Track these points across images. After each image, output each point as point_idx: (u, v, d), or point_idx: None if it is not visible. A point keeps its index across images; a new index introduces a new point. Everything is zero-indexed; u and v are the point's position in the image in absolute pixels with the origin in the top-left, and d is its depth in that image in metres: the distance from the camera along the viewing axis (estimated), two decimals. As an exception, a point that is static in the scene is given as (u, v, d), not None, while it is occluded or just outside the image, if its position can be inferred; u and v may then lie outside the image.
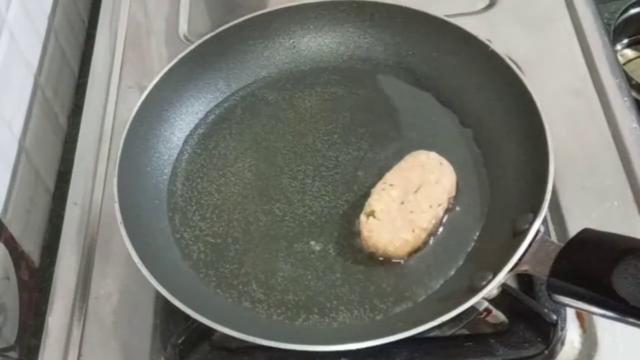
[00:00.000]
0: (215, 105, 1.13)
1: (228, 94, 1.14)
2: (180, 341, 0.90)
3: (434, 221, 0.94)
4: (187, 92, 1.11)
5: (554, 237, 0.99)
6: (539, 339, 0.89)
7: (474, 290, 0.84)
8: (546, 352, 0.89)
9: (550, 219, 1.01)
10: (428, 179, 0.96)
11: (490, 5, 1.29)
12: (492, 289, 0.83)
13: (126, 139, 1.00)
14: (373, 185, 0.98)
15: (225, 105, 1.13)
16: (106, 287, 1.01)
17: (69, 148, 1.26)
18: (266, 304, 0.92)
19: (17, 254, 1.06)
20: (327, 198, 1.01)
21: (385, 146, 1.05)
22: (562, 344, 0.91)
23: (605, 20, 1.31)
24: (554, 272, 0.79)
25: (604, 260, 0.76)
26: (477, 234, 0.95)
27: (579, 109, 1.14)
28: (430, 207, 0.94)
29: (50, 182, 1.23)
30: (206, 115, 1.12)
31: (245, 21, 1.13)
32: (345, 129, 1.08)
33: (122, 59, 1.28)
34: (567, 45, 1.22)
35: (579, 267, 0.79)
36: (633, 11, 1.38)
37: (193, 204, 1.02)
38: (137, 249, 0.89)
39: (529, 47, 1.20)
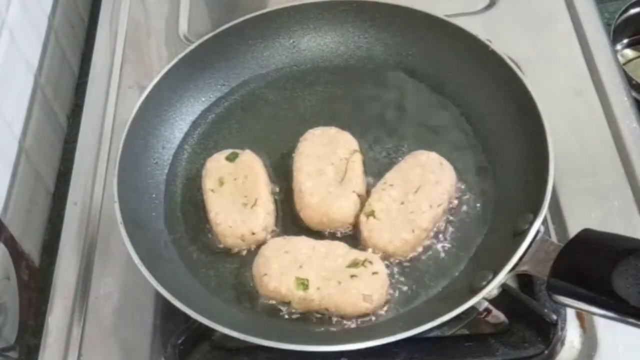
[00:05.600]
0: (215, 105, 1.13)
1: (228, 93, 1.14)
2: (180, 341, 0.90)
3: (434, 221, 0.94)
4: (187, 92, 1.11)
5: (554, 237, 0.99)
6: (539, 339, 0.89)
7: (474, 291, 0.84)
8: (546, 352, 0.89)
9: (550, 219, 1.01)
10: (428, 179, 0.96)
11: (490, 5, 1.29)
12: (492, 289, 0.83)
13: (126, 139, 1.00)
14: (373, 185, 0.98)
15: (225, 105, 1.13)
16: (106, 287, 1.01)
17: (69, 148, 1.26)
18: (266, 304, 0.92)
19: (17, 254, 1.06)
20: (327, 198, 1.01)
21: (386, 146, 1.05)
22: (562, 344, 0.91)
23: (605, 20, 1.31)
24: (554, 272, 0.79)
25: (604, 260, 0.76)
26: (477, 234, 0.95)
27: (579, 109, 1.14)
28: (430, 207, 0.94)
29: (50, 182, 1.23)
30: (206, 115, 1.12)
31: (245, 21, 1.13)
32: (345, 129, 1.07)
33: (122, 59, 1.28)
34: (567, 45, 1.22)
35: (579, 267, 0.79)
36: (633, 11, 1.38)
37: (193, 203, 1.02)
38: (137, 249, 0.89)
39: (529, 47, 1.20)
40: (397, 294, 0.91)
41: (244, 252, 0.96)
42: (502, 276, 0.83)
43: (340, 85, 1.13)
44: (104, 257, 1.04)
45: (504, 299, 0.88)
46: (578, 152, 1.08)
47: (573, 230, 0.98)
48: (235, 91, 1.14)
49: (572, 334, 0.92)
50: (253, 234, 0.95)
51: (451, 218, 0.97)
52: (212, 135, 1.10)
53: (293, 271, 0.89)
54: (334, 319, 0.89)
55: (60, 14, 1.34)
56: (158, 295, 0.92)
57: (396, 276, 0.92)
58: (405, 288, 0.92)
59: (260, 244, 0.95)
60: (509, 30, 1.24)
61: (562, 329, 0.90)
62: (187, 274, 0.96)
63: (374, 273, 0.89)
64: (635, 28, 1.42)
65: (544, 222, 0.94)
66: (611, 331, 0.91)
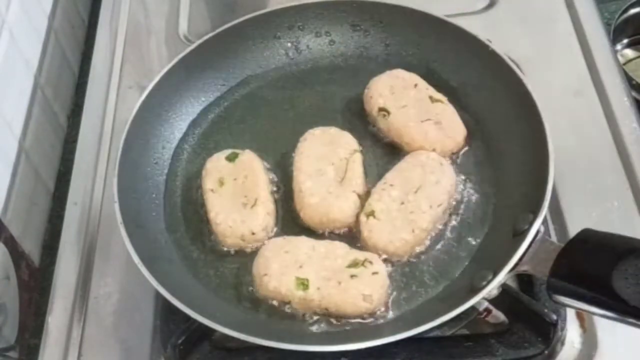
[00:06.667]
0: (215, 105, 1.13)
1: (228, 93, 1.14)
2: (180, 341, 0.90)
3: (434, 221, 0.94)
4: (187, 92, 1.11)
5: (554, 237, 0.99)
6: (539, 339, 0.89)
7: (474, 291, 0.84)
8: (546, 352, 0.89)
9: (550, 219, 1.01)
10: (428, 179, 0.96)
11: (490, 5, 1.30)
12: (492, 289, 0.83)
13: (126, 139, 1.00)
14: (373, 185, 0.98)
15: (225, 105, 1.13)
16: (106, 287, 1.01)
17: (69, 148, 1.26)
18: (266, 304, 0.92)
19: (17, 254, 1.06)
20: (327, 198, 1.01)
21: (386, 146, 1.05)
22: (562, 344, 0.91)
23: (605, 20, 1.31)
24: (554, 272, 0.79)
25: (604, 260, 0.76)
26: (477, 234, 0.95)
27: (579, 109, 1.14)
28: (431, 207, 0.94)
29: (50, 182, 1.23)
30: (206, 115, 1.12)
31: (245, 21, 1.13)
32: (345, 128, 1.07)
33: (122, 59, 1.28)
34: (567, 45, 1.22)
35: (579, 267, 0.79)
36: (633, 11, 1.38)
37: (193, 203, 1.02)
38: (137, 249, 0.89)
39: (529, 47, 1.21)
40: (397, 294, 0.91)
41: (244, 252, 0.96)
42: (502, 276, 0.83)
43: (340, 86, 1.13)
44: (104, 257, 1.04)
45: (504, 299, 0.88)
46: (578, 152, 1.08)
47: (573, 230, 0.98)
48: (235, 91, 1.14)
49: (572, 334, 0.92)
50: (253, 234, 0.95)
51: (451, 218, 0.97)
52: (212, 135, 1.10)
53: (293, 271, 0.89)
54: (334, 319, 0.89)
55: (60, 14, 1.34)
56: (158, 295, 0.92)
57: (396, 276, 0.92)
58: (405, 288, 0.92)
59: (260, 244, 0.95)
60: (509, 30, 1.24)
61: (562, 329, 0.90)
62: (187, 274, 0.96)
63: (374, 273, 0.89)
64: (635, 28, 1.42)
65: (544, 222, 0.94)
66: (611, 331, 0.91)
